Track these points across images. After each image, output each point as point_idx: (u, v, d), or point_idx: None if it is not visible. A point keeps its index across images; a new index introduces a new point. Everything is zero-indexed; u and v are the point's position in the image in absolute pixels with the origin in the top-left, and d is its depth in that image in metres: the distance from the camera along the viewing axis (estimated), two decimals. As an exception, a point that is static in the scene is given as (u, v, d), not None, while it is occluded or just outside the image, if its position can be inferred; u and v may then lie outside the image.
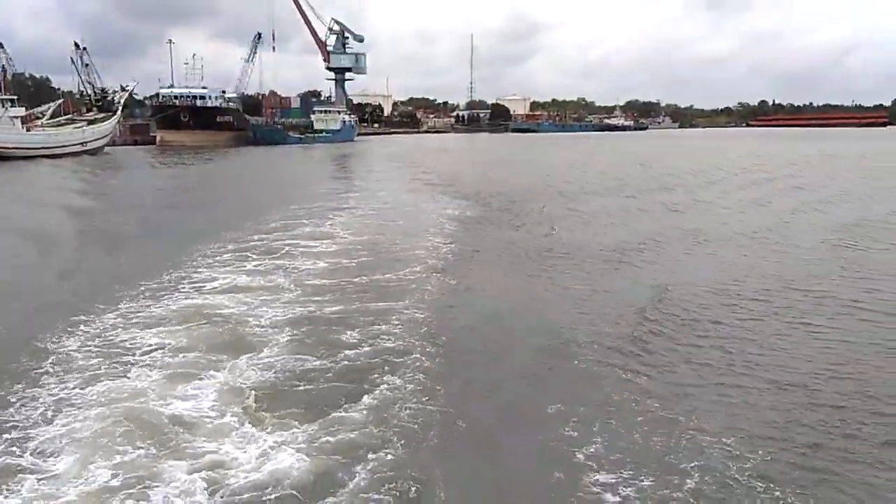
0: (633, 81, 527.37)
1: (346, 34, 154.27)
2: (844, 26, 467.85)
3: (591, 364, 11.72)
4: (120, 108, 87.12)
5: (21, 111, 70.58)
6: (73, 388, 10.31)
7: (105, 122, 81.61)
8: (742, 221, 27.76)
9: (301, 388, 10.59)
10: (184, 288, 16.40)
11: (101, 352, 11.97)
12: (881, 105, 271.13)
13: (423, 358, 11.80)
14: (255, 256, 20.19)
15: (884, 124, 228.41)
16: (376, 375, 11.04)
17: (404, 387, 10.59)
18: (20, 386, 10.45)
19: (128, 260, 20.53)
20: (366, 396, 10.24)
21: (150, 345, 12.23)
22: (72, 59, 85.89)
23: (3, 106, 67.05)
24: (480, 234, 25.42)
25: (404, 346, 12.34)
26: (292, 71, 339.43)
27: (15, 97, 72.07)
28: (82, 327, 13.20)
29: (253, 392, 10.26)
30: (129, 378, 10.79)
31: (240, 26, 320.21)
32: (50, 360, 11.41)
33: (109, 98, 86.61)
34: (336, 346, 12.37)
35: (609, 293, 16.49)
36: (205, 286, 16.57)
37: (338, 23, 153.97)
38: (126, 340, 12.51)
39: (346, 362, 11.63)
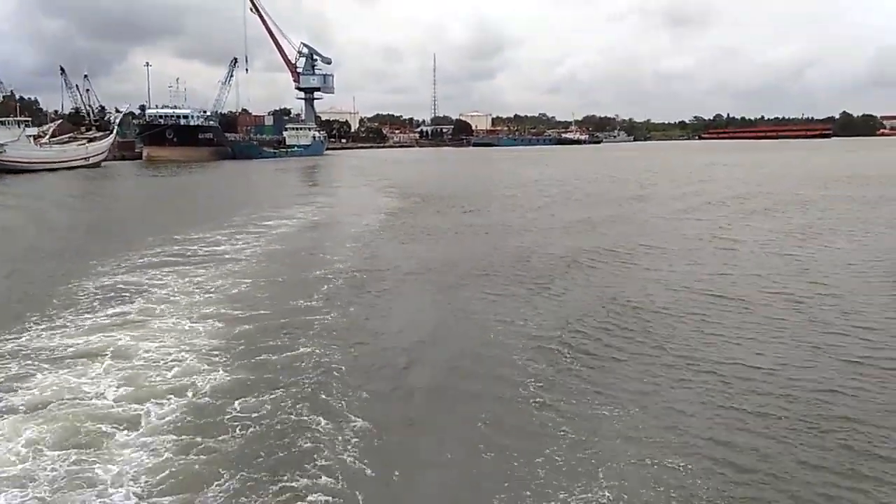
0: (597, 97, 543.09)
1: (315, 56, 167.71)
2: (803, 42, 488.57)
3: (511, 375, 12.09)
4: (116, 127, 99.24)
5: (34, 131, 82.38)
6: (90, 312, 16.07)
7: (103, 140, 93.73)
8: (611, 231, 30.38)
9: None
10: (172, 250, 24.57)
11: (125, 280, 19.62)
12: (832, 118, 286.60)
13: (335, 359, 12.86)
14: (234, 231, 29.49)
15: (828, 136, 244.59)
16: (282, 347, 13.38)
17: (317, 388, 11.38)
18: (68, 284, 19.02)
19: (133, 235, 28.74)
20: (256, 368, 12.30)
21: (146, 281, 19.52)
22: (77, 85, 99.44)
23: (19, 127, 78.39)
24: (411, 228, 31.10)
25: (318, 347, 13.46)
26: (259, 88, 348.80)
27: (29, 119, 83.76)
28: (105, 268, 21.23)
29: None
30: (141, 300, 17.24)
31: (203, 45, 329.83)
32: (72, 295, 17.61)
33: (106, 118, 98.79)
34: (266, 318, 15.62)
35: (535, 301, 17.24)
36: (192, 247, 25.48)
37: (307, 46, 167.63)
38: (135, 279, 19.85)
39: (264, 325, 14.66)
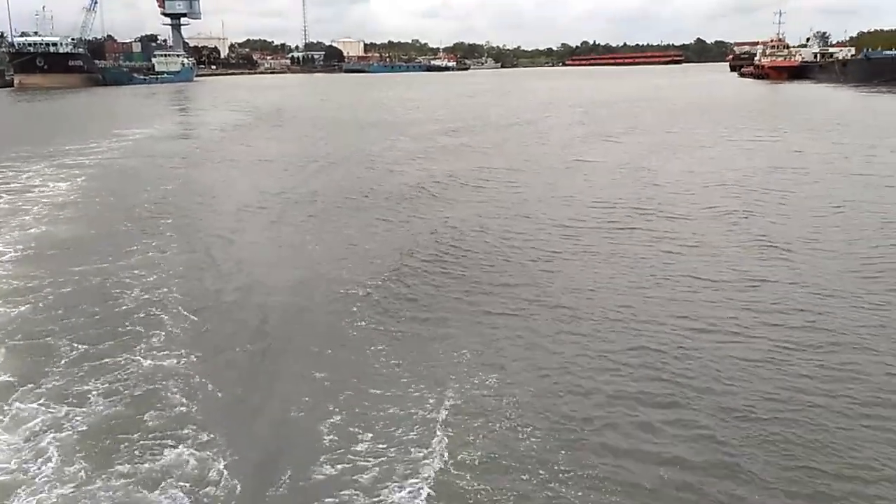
0: (473, 23, 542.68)
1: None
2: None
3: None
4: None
5: None
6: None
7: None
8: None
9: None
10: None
11: None
12: (688, 45, 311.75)
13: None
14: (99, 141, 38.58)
15: (679, 62, 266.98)
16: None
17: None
18: None
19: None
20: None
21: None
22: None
23: None
24: (261, 143, 36.84)
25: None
26: (121, 12, 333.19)
27: None
28: None
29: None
30: None
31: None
32: None
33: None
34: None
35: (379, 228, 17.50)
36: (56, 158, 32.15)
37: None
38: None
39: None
